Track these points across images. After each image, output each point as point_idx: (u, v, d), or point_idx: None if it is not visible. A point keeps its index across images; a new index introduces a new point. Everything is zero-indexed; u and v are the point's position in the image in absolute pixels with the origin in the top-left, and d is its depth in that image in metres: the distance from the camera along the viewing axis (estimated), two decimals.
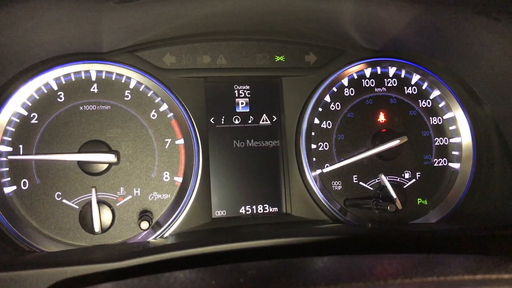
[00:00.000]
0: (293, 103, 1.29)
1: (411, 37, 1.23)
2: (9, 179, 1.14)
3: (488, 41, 1.10)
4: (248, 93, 1.31)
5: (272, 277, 0.62)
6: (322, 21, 1.15)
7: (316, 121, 1.29)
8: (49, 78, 1.17)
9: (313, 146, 1.28)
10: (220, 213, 1.26)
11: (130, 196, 1.18)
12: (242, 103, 1.30)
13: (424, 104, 1.34)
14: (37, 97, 1.17)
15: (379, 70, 1.34)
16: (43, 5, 0.89)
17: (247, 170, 1.28)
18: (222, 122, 1.29)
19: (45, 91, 1.17)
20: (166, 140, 1.22)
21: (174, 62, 1.25)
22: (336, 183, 1.28)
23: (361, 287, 0.54)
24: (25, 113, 1.16)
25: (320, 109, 1.29)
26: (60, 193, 1.15)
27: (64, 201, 1.15)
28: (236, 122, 1.29)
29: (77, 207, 1.15)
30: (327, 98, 1.30)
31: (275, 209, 1.28)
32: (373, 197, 1.27)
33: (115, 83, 1.21)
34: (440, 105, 1.35)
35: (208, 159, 1.24)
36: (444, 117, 1.35)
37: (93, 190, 1.11)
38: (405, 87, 1.35)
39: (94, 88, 1.20)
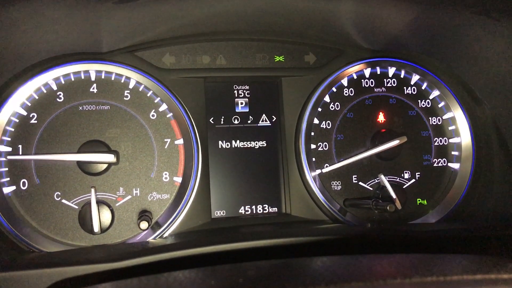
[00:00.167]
0: (293, 103, 1.29)
1: (410, 37, 1.23)
2: (8, 179, 1.13)
3: (487, 41, 1.10)
4: (248, 93, 1.31)
5: (271, 277, 0.62)
6: (322, 21, 1.15)
7: (316, 121, 1.29)
8: (49, 78, 1.17)
9: (313, 146, 1.28)
10: (220, 213, 1.26)
11: (129, 196, 1.18)
12: (241, 103, 1.30)
13: (423, 104, 1.35)
14: (37, 97, 1.17)
15: (378, 70, 1.34)
16: (42, 5, 0.89)
17: (247, 170, 1.28)
18: (222, 122, 1.29)
19: (45, 91, 1.17)
20: (165, 140, 1.22)
21: (174, 62, 1.25)
22: (336, 183, 1.28)
23: (361, 287, 0.54)
24: (25, 113, 1.16)
25: (319, 109, 1.29)
26: (59, 193, 1.15)
27: (63, 201, 1.15)
28: (236, 122, 1.29)
29: (77, 207, 1.15)
30: (327, 98, 1.30)
31: (275, 209, 1.28)
32: (372, 197, 1.27)
33: (114, 83, 1.21)
34: (440, 105, 1.35)
35: (208, 159, 1.24)
36: (444, 117, 1.35)
37: (93, 190, 1.11)
38: (405, 87, 1.35)
39: (93, 88, 1.20)
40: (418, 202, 1.31)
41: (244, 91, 1.31)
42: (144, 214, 1.16)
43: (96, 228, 1.11)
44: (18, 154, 1.14)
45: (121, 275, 0.77)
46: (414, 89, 1.35)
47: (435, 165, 1.33)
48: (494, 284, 0.56)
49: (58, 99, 1.18)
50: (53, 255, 0.92)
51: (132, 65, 1.21)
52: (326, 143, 1.29)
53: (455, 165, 1.33)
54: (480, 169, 1.31)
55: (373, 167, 1.29)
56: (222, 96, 1.30)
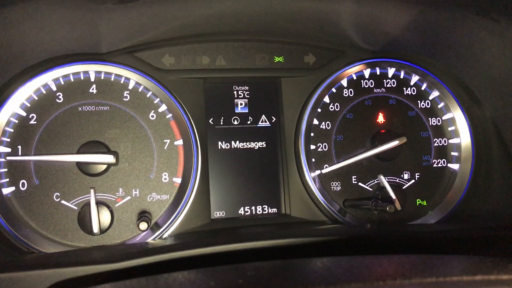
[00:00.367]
0: (292, 103, 1.29)
1: (410, 38, 1.23)
2: (7, 180, 1.13)
3: (487, 42, 1.10)
4: (247, 94, 1.31)
5: (271, 278, 0.62)
6: (321, 21, 1.15)
7: (315, 121, 1.29)
8: (48, 79, 1.17)
9: (312, 146, 1.28)
10: (219, 214, 1.26)
11: (129, 197, 1.18)
12: (241, 104, 1.30)
13: (423, 105, 1.35)
14: (36, 98, 1.17)
15: (378, 70, 1.34)
16: (42, 6, 0.89)
17: (246, 171, 1.28)
18: (221, 123, 1.29)
19: (44, 92, 1.17)
20: (165, 141, 1.22)
21: (173, 63, 1.25)
22: (335, 183, 1.28)
23: None
24: (24, 114, 1.16)
25: (319, 110, 1.29)
26: (58, 194, 1.15)
27: (62, 202, 1.15)
28: (235, 122, 1.29)
29: (76, 208, 1.15)
30: (326, 99, 1.30)
31: (274, 210, 1.28)
32: (372, 198, 1.26)
33: (114, 83, 1.21)
34: (439, 106, 1.35)
35: (207, 160, 1.24)
36: (443, 117, 1.35)
37: (92, 191, 1.11)
38: (404, 88, 1.35)
39: (93, 89, 1.20)
40: (417, 202, 1.31)
41: (244, 91, 1.31)
42: (143, 215, 1.16)
43: (96, 229, 1.10)
44: (18, 155, 1.14)
45: (120, 276, 0.77)
46: (413, 89, 1.35)
47: (434, 165, 1.33)
48: (494, 285, 0.56)
49: (57, 100, 1.18)
50: (53, 256, 0.92)
51: (132, 65, 1.21)
52: (325, 143, 1.29)
53: (455, 166, 1.33)
54: (479, 170, 1.31)
55: (372, 168, 1.29)
56: (222, 97, 1.30)
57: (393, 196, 1.21)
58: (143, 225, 1.10)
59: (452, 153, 1.34)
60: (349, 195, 1.28)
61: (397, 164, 1.30)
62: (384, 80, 1.34)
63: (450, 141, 1.34)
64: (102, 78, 1.21)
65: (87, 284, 0.70)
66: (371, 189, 1.29)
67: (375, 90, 1.33)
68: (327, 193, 1.27)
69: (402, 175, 1.31)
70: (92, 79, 1.20)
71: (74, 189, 1.15)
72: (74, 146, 1.16)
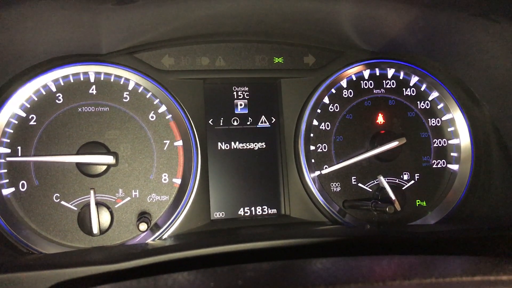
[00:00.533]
0: (292, 104, 1.29)
1: (409, 39, 1.23)
2: (7, 181, 1.13)
3: (486, 43, 1.10)
4: (247, 95, 1.31)
5: (271, 279, 0.62)
6: (321, 22, 1.15)
7: (315, 122, 1.29)
8: (48, 79, 1.17)
9: (312, 147, 1.28)
10: (219, 214, 1.26)
11: (128, 198, 1.18)
12: (240, 105, 1.30)
13: (422, 106, 1.35)
14: (36, 99, 1.17)
15: (377, 71, 1.34)
16: (41, 7, 0.89)
17: (246, 172, 1.28)
18: (221, 124, 1.29)
19: (44, 93, 1.17)
20: (164, 141, 1.22)
21: (173, 64, 1.25)
22: (335, 184, 1.28)
23: None
24: (24, 114, 1.16)
25: (319, 111, 1.30)
26: (58, 195, 1.15)
27: (62, 202, 1.15)
28: (235, 123, 1.29)
29: (76, 208, 1.15)
30: (326, 100, 1.30)
31: (274, 210, 1.28)
32: (372, 198, 1.27)
33: (113, 84, 1.21)
34: (439, 107, 1.35)
35: (207, 161, 1.24)
36: (443, 118, 1.35)
37: (92, 191, 1.11)
38: (404, 89, 1.35)
39: (92, 90, 1.20)
40: (417, 203, 1.31)
41: (243, 92, 1.31)
42: (143, 216, 1.16)
43: (95, 230, 1.10)
44: (17, 156, 1.14)
45: (120, 277, 0.77)
46: (413, 90, 1.35)
47: (434, 166, 1.33)
48: (494, 285, 0.56)
49: (57, 101, 1.18)
50: (52, 257, 0.92)
51: (131, 66, 1.21)
52: (325, 144, 1.29)
53: (454, 167, 1.33)
54: (479, 170, 1.31)
55: (372, 169, 1.29)
56: (221, 98, 1.30)
57: (393, 197, 1.21)
58: (143, 226, 1.10)
59: (452, 154, 1.34)
60: (348, 195, 1.28)
61: (397, 164, 1.30)
62: (384, 81, 1.34)
63: (450, 141, 1.34)
64: (102, 79, 1.21)
65: (87, 285, 0.70)
66: (370, 190, 1.29)
67: (374, 91, 1.33)
68: (327, 193, 1.27)
69: (401, 176, 1.31)
70: (92, 80, 1.20)
71: (74, 190, 1.15)
72: (74, 147, 1.16)
